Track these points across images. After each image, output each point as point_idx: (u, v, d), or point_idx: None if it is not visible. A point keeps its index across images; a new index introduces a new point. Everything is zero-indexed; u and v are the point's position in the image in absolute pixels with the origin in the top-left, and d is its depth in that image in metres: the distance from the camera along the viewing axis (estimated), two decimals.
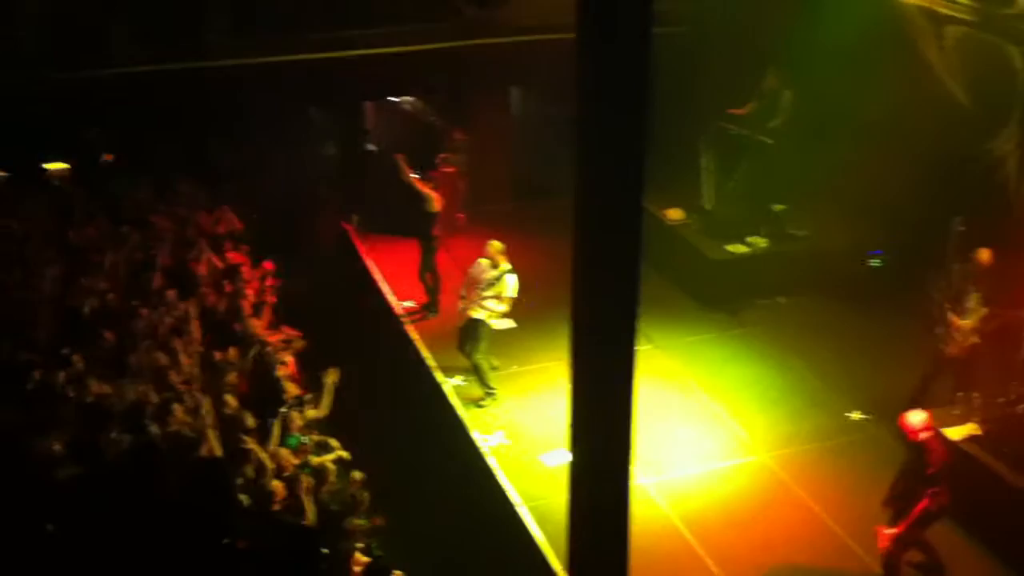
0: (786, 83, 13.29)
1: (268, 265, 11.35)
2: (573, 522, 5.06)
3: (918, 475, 8.05)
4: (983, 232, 10.15)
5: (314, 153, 16.56)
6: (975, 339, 9.80)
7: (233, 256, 11.44)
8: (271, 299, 10.84)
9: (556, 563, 8.49)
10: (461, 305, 11.08)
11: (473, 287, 10.94)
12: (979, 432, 9.12)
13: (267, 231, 13.14)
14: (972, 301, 9.80)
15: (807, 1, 12.66)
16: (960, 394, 9.60)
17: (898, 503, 8.22)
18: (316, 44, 13.59)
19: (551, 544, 8.74)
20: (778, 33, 13.21)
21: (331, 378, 9.40)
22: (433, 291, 12.73)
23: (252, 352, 9.54)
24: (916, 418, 8.12)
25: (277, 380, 9.22)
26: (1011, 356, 9.56)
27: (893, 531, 8.16)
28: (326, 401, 9.37)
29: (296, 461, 8.40)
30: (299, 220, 14.10)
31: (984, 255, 9.77)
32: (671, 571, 8.82)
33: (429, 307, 12.76)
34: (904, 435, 8.09)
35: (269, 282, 11.11)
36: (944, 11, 11.99)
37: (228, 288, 10.55)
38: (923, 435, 8.03)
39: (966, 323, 9.80)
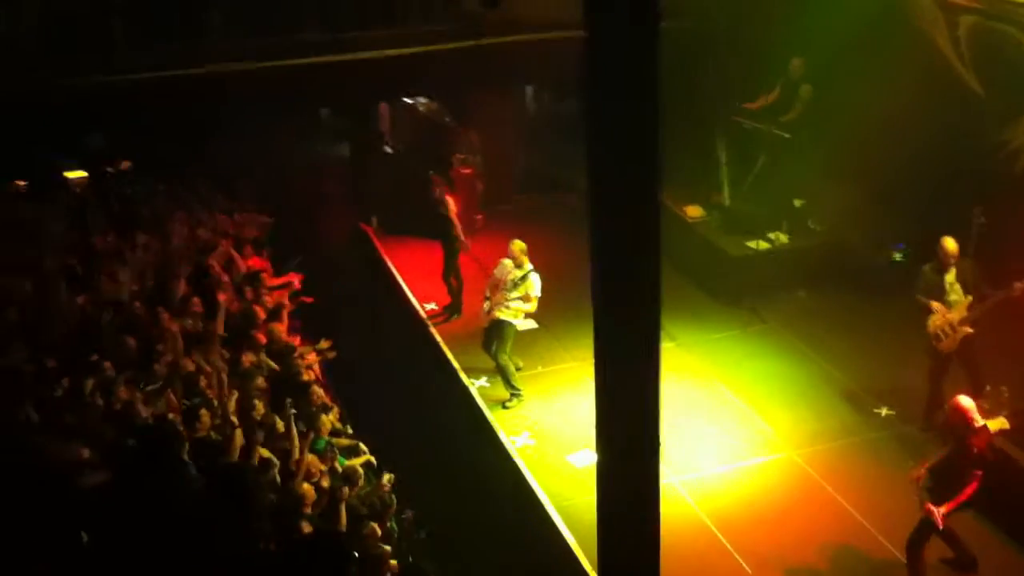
0: (805, 75, 13.23)
1: (293, 276, 11.34)
2: (602, 522, 5.02)
3: (966, 460, 7.98)
4: (1003, 222, 10.02)
5: (326, 155, 16.57)
6: (967, 330, 9.62)
7: (255, 261, 11.43)
8: (291, 304, 10.82)
9: (587, 564, 8.48)
10: (485, 306, 11.02)
11: (497, 288, 10.90)
12: (1007, 426, 9.04)
13: (282, 233, 13.15)
14: (954, 293, 9.67)
15: None
16: (988, 388, 9.52)
17: (940, 486, 8.11)
18: (322, 46, 13.54)
19: (580, 545, 8.73)
20: (791, 26, 13.15)
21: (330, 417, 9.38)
22: (456, 293, 12.70)
23: (278, 357, 9.54)
24: (969, 402, 8.07)
25: (304, 384, 9.20)
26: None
27: (944, 510, 8.06)
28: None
29: (325, 465, 8.39)
30: (314, 222, 14.09)
31: (949, 245, 9.60)
32: (701, 570, 8.75)
33: (452, 309, 12.74)
34: (959, 420, 7.97)
35: (292, 287, 11.09)
36: (957, 1, 11.92)
37: (250, 293, 10.53)
38: (976, 420, 7.97)
39: (952, 316, 9.65)
